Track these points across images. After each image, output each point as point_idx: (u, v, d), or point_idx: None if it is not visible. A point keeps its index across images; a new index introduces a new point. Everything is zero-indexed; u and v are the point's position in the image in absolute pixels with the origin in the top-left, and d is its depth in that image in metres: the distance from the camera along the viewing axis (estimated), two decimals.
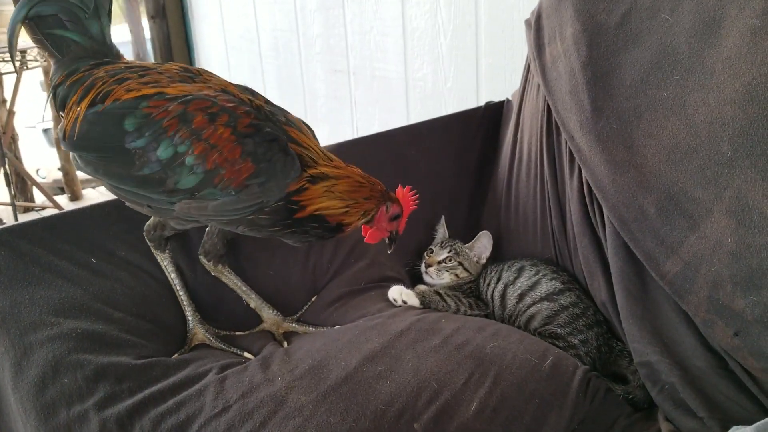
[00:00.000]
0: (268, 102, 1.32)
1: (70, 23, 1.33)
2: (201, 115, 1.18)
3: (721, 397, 1.27)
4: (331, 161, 1.29)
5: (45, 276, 1.33)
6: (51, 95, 1.33)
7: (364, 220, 1.32)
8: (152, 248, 1.43)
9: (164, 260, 1.44)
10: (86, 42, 1.34)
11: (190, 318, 1.44)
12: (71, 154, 1.29)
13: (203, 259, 1.48)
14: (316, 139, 1.34)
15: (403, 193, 1.37)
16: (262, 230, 1.26)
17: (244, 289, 1.51)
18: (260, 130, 1.19)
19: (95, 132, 1.23)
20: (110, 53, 1.36)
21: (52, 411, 1.15)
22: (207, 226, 1.45)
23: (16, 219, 4.17)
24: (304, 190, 1.22)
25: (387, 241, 1.40)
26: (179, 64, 1.36)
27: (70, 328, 1.26)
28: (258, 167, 1.17)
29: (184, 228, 1.37)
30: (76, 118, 1.25)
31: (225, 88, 1.29)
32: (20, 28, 1.33)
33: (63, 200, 5.04)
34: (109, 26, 1.38)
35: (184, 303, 1.45)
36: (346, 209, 1.27)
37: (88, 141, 1.24)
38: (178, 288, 1.45)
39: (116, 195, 1.30)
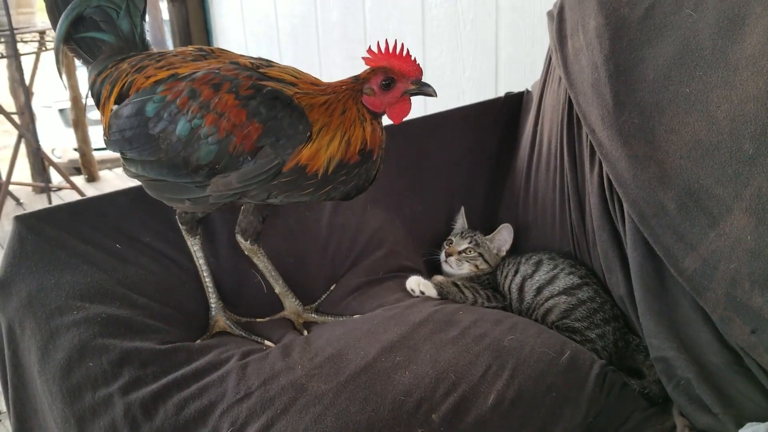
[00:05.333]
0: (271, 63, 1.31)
1: (104, 23, 1.36)
2: (207, 87, 1.20)
3: (736, 393, 1.28)
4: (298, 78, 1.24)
5: (71, 261, 1.35)
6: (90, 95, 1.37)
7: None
8: (184, 232, 1.43)
9: (194, 245, 1.44)
10: (116, 41, 1.37)
11: (213, 305, 1.45)
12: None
13: (240, 238, 1.47)
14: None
15: (372, 56, 1.22)
16: (300, 192, 1.23)
17: (273, 273, 1.52)
18: (260, 90, 1.19)
19: (124, 124, 1.26)
20: (136, 48, 1.39)
21: (78, 394, 1.17)
22: (242, 206, 1.45)
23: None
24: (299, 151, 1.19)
25: (420, 95, 1.23)
26: (195, 46, 1.38)
27: (95, 312, 1.28)
28: (265, 126, 1.17)
29: (218, 209, 1.38)
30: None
31: (235, 60, 1.30)
32: (67, 27, 1.36)
33: (80, 181, 5.06)
34: (141, 25, 1.40)
35: (210, 290, 1.46)
36: (345, 139, 1.20)
37: (120, 135, 1.27)
38: (205, 275, 1.46)
39: (159, 198, 1.33)
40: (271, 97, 1.19)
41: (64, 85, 1.54)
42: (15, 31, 3.72)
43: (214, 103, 1.18)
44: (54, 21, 1.37)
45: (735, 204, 1.26)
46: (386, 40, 1.20)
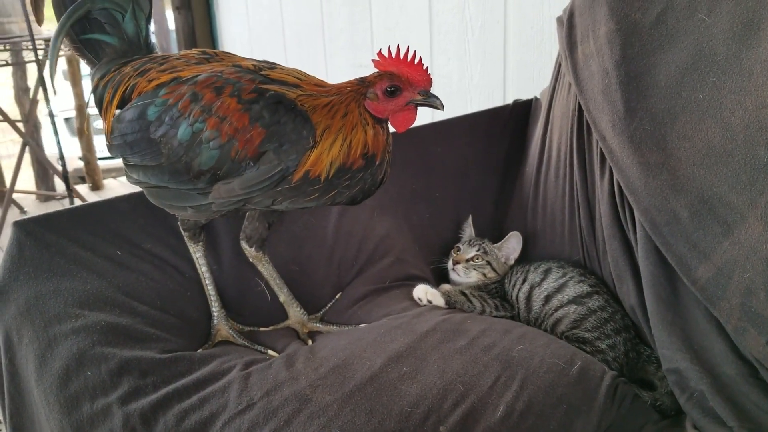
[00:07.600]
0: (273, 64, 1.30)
1: (108, 26, 1.34)
2: (209, 91, 1.18)
3: (751, 406, 1.25)
4: (303, 80, 1.22)
5: (70, 267, 1.33)
6: (92, 98, 1.36)
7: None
8: (187, 239, 1.41)
9: (197, 252, 1.43)
10: (121, 44, 1.37)
11: (215, 314, 1.43)
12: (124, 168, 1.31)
13: (245, 245, 1.46)
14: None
15: (383, 60, 1.18)
16: (305, 198, 1.20)
17: (278, 281, 1.50)
18: (263, 93, 1.17)
19: (126, 128, 1.24)
20: (141, 51, 1.38)
21: (76, 404, 1.14)
22: (247, 212, 1.43)
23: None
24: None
25: (426, 106, 1.20)
26: (198, 49, 1.37)
27: (94, 320, 1.25)
28: (268, 131, 1.15)
29: (221, 215, 1.36)
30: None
31: (237, 63, 1.28)
32: (68, 27, 1.34)
33: (84, 189, 5.07)
34: (146, 29, 1.39)
35: (212, 298, 1.44)
36: (347, 142, 1.17)
37: (122, 139, 1.25)
38: (208, 282, 1.44)
39: (161, 206, 1.31)
40: (274, 101, 1.16)
41: (53, 88, 1.51)
42: (19, 39, 3.73)
43: (216, 106, 1.16)
44: (59, 19, 1.36)
45: (749, 212, 1.23)
46: (398, 45, 1.17)
